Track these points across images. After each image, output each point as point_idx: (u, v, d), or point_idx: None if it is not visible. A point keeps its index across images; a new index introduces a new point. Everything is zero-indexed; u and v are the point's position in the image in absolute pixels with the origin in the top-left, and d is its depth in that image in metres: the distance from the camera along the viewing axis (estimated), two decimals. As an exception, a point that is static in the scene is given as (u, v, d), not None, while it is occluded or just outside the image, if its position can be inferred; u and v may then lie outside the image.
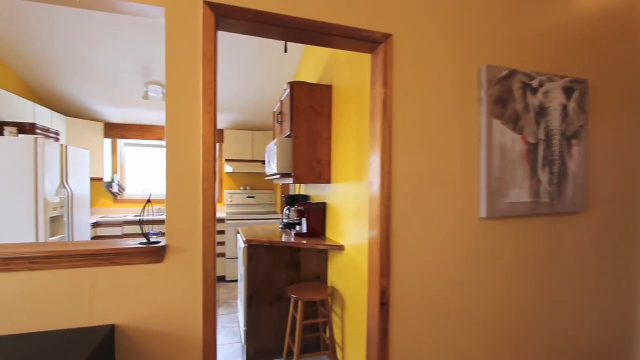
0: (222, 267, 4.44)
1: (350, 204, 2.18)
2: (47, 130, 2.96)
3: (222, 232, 4.41)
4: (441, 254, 1.67)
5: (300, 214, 2.74)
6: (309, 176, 2.51)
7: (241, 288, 2.82)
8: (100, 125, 4.37)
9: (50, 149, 2.70)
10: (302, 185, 3.57)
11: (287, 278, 2.58)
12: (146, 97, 3.71)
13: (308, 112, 2.48)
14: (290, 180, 2.60)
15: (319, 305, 2.48)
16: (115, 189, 4.56)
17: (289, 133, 2.53)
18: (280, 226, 3.16)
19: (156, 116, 4.50)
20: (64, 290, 1.22)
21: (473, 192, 1.71)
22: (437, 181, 1.65)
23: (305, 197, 3.29)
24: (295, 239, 2.54)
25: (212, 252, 1.36)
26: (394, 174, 1.59)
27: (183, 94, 1.31)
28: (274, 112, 3.17)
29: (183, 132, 1.31)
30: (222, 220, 4.42)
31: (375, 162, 1.62)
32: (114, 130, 4.55)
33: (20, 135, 2.56)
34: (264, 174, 5.14)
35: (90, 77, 3.53)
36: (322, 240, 2.51)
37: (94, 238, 3.89)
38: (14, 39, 2.91)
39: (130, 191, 4.78)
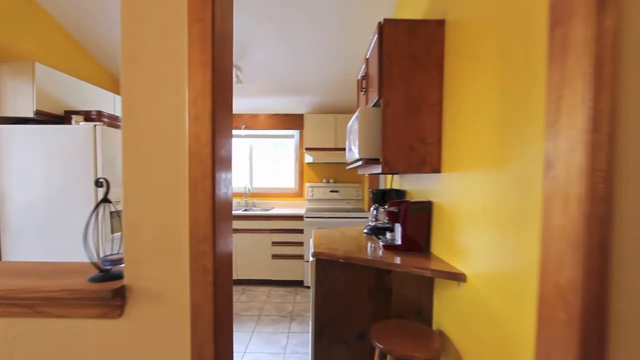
0: (300, 271, 3.91)
1: (482, 205, 1.28)
2: (116, 118, 2.78)
3: (300, 231, 3.89)
4: None
5: (393, 218, 1.91)
6: (406, 162, 1.66)
7: (310, 307, 2.16)
8: (183, 115, 4.27)
9: (113, 137, 2.46)
10: (396, 176, 2.73)
11: (371, 310, 1.80)
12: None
13: (406, 64, 1.63)
14: (377, 169, 1.80)
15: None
16: (198, 180, 4.45)
17: (376, 99, 1.73)
18: (365, 230, 2.40)
19: (239, 104, 4.26)
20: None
21: None
22: None
23: (400, 193, 2.45)
24: (384, 254, 1.75)
25: (210, 302, 0.68)
26: (624, 145, 0.67)
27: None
28: (358, 80, 2.40)
29: (150, 68, 0.65)
30: (300, 217, 3.89)
31: (564, 119, 0.72)
32: (195, 120, 4.43)
33: (81, 123, 2.37)
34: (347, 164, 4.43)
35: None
36: (426, 260, 1.65)
37: (172, 231, 3.76)
38: (100, 32, 2.94)
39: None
